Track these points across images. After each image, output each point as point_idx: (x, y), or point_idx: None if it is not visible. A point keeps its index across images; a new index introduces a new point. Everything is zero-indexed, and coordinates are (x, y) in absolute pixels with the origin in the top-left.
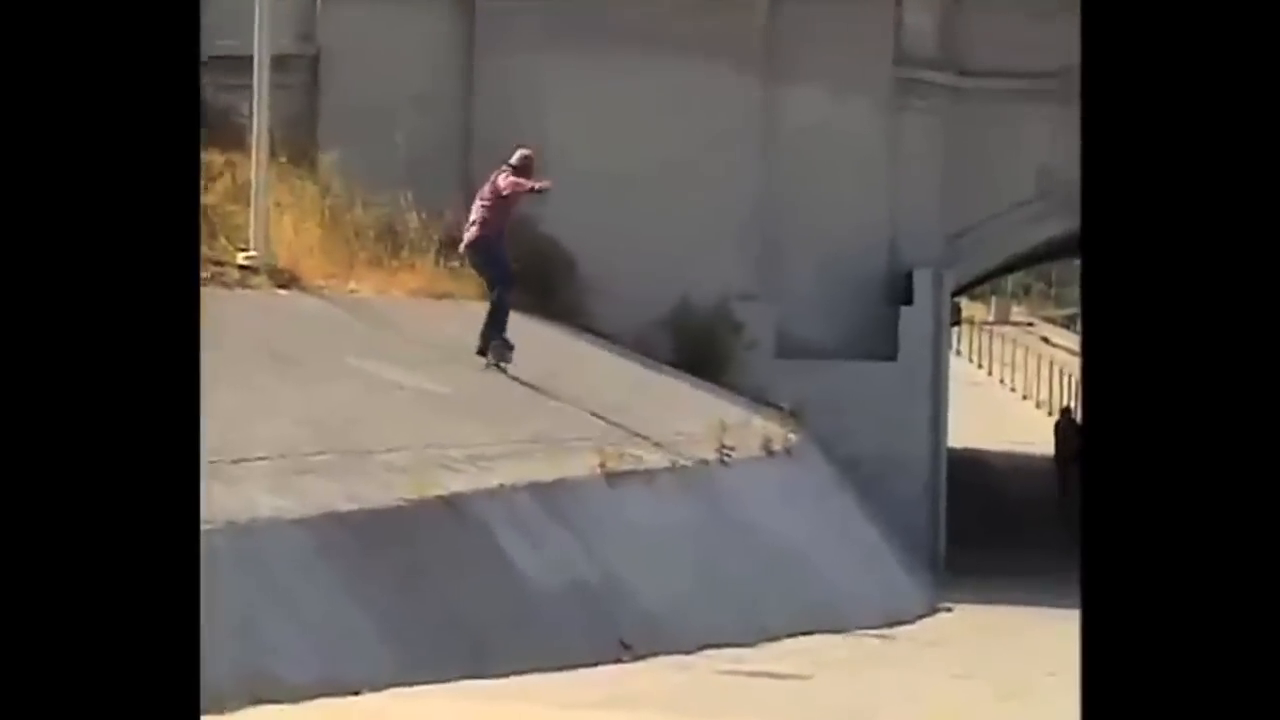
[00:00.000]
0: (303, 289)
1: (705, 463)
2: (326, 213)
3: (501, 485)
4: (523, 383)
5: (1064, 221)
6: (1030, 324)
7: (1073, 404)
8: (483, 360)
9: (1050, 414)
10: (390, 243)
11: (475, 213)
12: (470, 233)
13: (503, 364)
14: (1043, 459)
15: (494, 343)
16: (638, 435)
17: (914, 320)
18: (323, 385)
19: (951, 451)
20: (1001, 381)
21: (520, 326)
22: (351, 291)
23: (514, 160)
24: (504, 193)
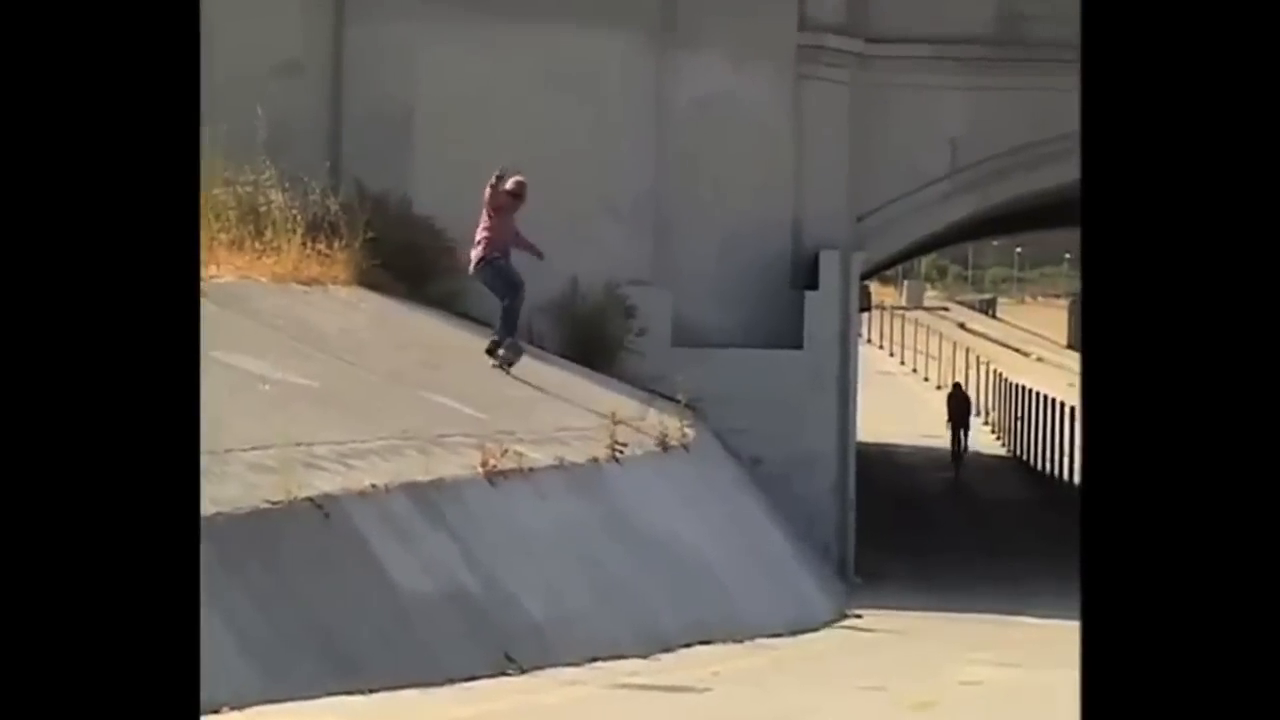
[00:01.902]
0: None
1: (596, 460)
2: None
3: (374, 486)
4: (511, 369)
5: (980, 199)
6: (945, 309)
7: (983, 389)
8: (490, 360)
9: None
10: (253, 224)
11: (479, 234)
12: (475, 253)
13: (508, 366)
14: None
15: (506, 343)
16: (522, 431)
17: (820, 306)
18: None
19: (861, 446)
20: (914, 370)
21: (394, 315)
22: (211, 277)
23: (508, 186)
24: (493, 209)
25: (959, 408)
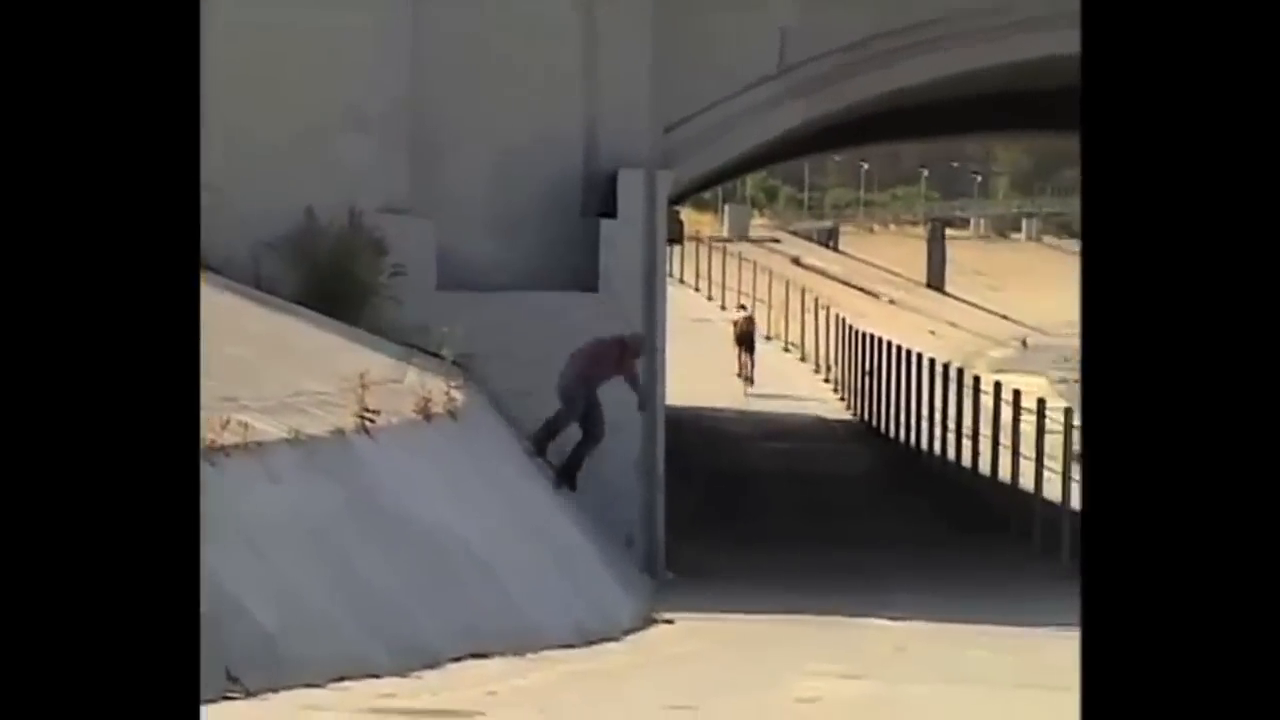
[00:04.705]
0: None
1: (341, 432)
2: None
3: None
4: None
5: (817, 103)
6: (776, 240)
7: (823, 339)
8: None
9: (803, 359)
10: None
11: (587, 360)
12: (584, 370)
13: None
14: (797, 422)
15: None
16: (248, 397)
17: (620, 237)
18: None
19: (673, 411)
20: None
21: None
22: None
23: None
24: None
25: (745, 331)
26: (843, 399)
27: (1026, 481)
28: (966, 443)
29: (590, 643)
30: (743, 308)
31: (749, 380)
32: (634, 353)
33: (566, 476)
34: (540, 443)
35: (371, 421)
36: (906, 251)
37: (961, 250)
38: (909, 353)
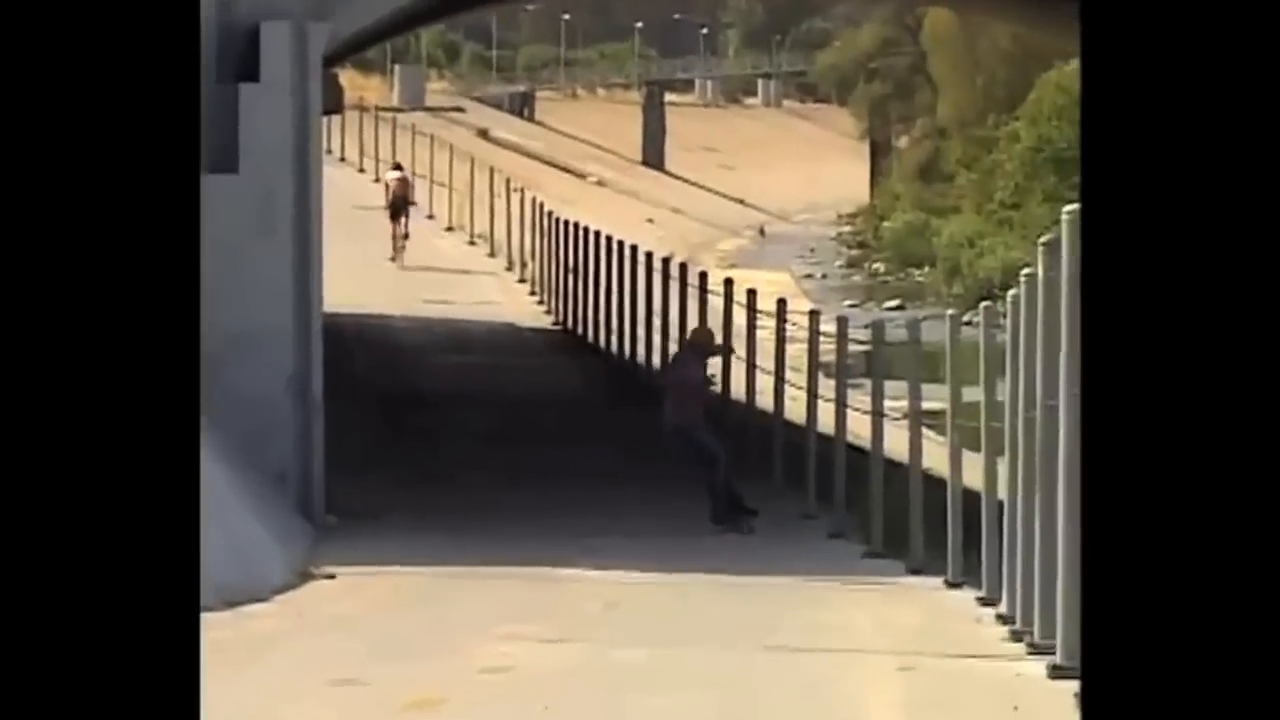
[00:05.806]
0: None
1: None
2: None
3: None
4: None
5: None
6: (459, 109)
7: (516, 228)
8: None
9: (492, 254)
10: None
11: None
12: (671, 410)
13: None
14: (485, 331)
15: (728, 523)
16: None
17: (263, 106)
18: None
19: (334, 321)
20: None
21: None
22: None
23: (690, 337)
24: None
25: (400, 195)
26: (542, 303)
27: (766, 400)
28: None
29: (231, 604)
30: (397, 166)
31: (400, 250)
32: (702, 346)
33: (724, 514)
34: (721, 512)
35: None
36: (618, 122)
37: (685, 120)
38: (622, 245)
